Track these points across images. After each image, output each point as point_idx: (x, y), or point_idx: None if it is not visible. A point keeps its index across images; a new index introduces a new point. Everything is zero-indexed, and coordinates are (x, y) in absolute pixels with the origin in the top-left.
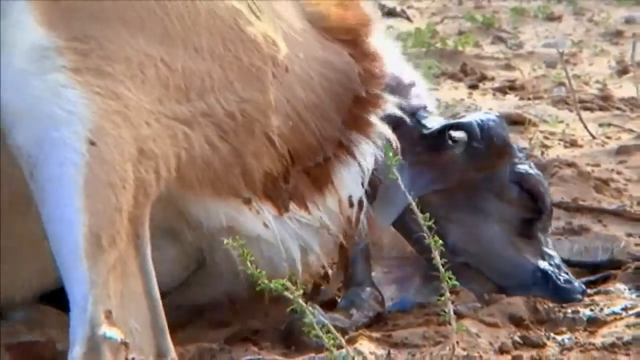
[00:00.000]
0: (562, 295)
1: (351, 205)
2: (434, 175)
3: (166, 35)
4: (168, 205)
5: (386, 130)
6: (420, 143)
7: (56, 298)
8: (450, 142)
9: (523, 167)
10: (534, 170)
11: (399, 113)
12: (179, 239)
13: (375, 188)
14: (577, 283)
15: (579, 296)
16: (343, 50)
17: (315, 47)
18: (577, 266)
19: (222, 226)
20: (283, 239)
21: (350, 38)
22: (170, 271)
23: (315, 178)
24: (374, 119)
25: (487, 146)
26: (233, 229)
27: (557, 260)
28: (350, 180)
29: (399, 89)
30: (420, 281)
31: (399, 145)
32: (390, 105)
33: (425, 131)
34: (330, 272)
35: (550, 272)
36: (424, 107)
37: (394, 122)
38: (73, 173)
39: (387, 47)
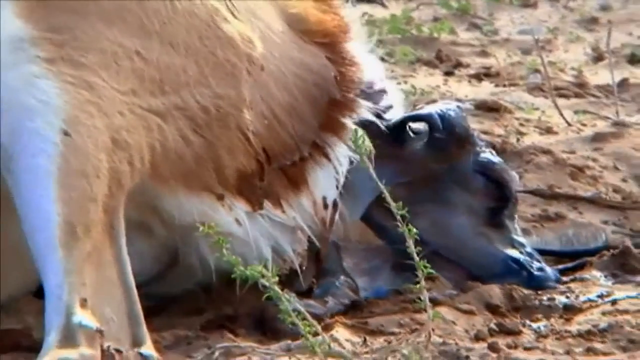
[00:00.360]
0: (536, 283)
1: (325, 206)
2: (397, 168)
3: (142, 29)
4: (141, 200)
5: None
6: (380, 136)
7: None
8: (411, 134)
9: (486, 156)
10: (496, 158)
11: (372, 118)
12: (151, 234)
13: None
14: (550, 270)
15: (553, 284)
16: (320, 53)
17: (292, 48)
18: (570, 255)
19: (194, 222)
20: (255, 237)
21: (328, 41)
22: (143, 265)
23: (290, 177)
24: (348, 122)
25: (449, 136)
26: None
27: (529, 248)
28: (325, 182)
29: (370, 94)
30: (390, 272)
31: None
32: (364, 110)
33: (385, 124)
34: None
35: (522, 260)
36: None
37: (362, 124)
38: (47, 163)
39: (362, 53)
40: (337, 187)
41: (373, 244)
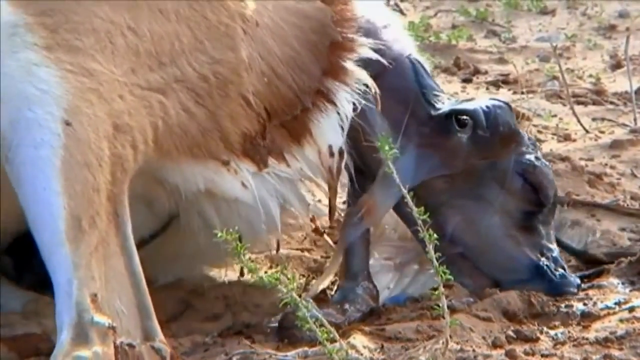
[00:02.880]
0: (557, 290)
1: (331, 155)
2: (440, 159)
3: (130, 1)
4: (145, 174)
5: (363, 76)
6: (428, 124)
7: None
8: (457, 126)
9: (529, 158)
10: (540, 162)
11: (374, 56)
12: (153, 202)
13: (374, 168)
14: (572, 277)
15: (574, 290)
16: None
17: None
18: None
19: (199, 189)
20: (262, 198)
21: None
22: (143, 224)
23: (292, 130)
24: (350, 65)
25: (493, 134)
26: (211, 192)
27: (555, 254)
28: (329, 130)
29: (372, 31)
30: (418, 267)
31: (378, 92)
32: (366, 48)
33: (434, 112)
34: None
35: (545, 267)
36: (434, 88)
37: (375, 70)
38: (50, 155)
39: None
40: (342, 135)
41: (407, 234)
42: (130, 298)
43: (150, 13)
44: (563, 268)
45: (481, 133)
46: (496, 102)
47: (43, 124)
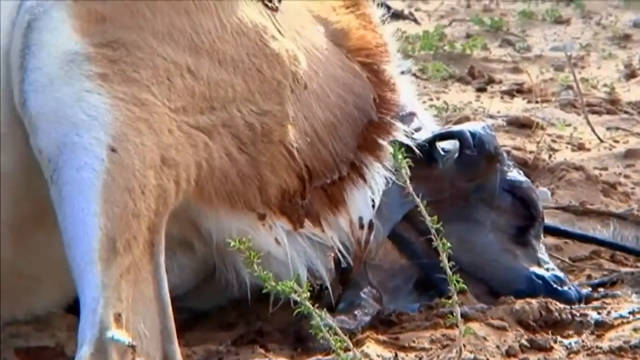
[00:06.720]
0: (560, 301)
1: (361, 227)
2: (426, 188)
3: (193, 47)
4: (183, 217)
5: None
6: (411, 157)
7: None
8: (441, 151)
9: (513, 175)
10: (523, 178)
11: (408, 142)
12: (192, 249)
13: None
14: (574, 290)
15: (576, 302)
16: (362, 73)
17: (335, 67)
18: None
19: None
20: (292, 257)
21: (370, 62)
22: (182, 278)
23: (331, 195)
24: (385, 143)
25: (479, 153)
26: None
27: (552, 266)
28: (361, 202)
29: (402, 117)
30: (412, 292)
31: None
32: (400, 133)
33: (414, 145)
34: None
35: (547, 277)
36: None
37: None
38: (91, 178)
39: (397, 74)
40: (372, 208)
41: (396, 263)
42: (155, 322)
43: (210, 62)
44: (564, 281)
45: (469, 152)
46: (479, 124)
47: (88, 148)
